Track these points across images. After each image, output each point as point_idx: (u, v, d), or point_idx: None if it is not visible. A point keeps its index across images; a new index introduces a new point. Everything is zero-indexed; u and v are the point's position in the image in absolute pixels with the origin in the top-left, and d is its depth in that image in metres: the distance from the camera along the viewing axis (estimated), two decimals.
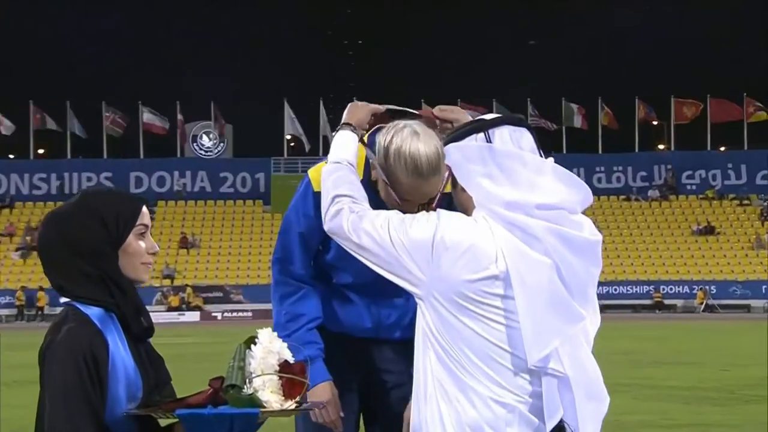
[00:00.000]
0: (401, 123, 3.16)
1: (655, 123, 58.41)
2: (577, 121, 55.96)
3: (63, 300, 2.64)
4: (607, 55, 69.29)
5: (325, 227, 3.01)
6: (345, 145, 3.17)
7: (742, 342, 24.36)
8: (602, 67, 66.55)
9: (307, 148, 55.23)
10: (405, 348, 3.43)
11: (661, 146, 61.81)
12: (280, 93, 55.53)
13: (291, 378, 2.54)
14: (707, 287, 48.50)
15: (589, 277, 2.71)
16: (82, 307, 2.62)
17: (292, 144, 57.87)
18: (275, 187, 53.47)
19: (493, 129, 2.80)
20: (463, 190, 2.82)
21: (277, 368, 2.56)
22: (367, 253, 2.82)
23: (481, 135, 2.80)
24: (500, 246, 2.68)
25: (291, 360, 2.59)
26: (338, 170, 3.09)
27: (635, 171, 56.93)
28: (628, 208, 56.33)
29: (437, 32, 68.43)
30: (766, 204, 55.97)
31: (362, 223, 2.86)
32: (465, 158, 2.78)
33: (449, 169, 2.84)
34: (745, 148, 56.87)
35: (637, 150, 57.03)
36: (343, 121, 3.26)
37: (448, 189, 3.23)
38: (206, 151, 58.02)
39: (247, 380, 2.54)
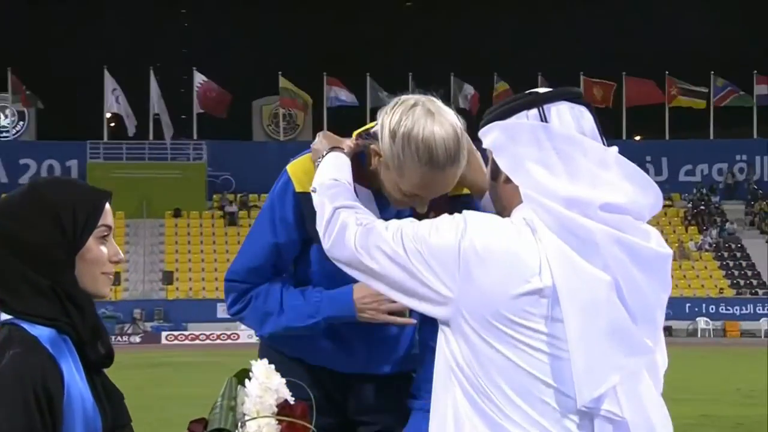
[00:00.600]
0: (411, 99, 3.16)
1: None
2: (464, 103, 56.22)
3: (3, 317, 2.61)
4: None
5: (327, 249, 2.96)
6: (338, 166, 3.21)
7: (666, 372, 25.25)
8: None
9: (131, 131, 55.74)
10: (396, 384, 3.50)
11: None
12: (100, 60, 55.60)
13: (292, 422, 2.54)
14: None
15: (657, 300, 2.67)
16: (28, 327, 2.59)
17: (113, 124, 58.31)
18: (93, 179, 51.82)
19: (549, 105, 2.74)
20: (507, 181, 2.75)
21: (276, 410, 2.58)
22: (380, 276, 2.77)
23: (534, 111, 2.73)
24: (546, 254, 2.62)
25: (291, 400, 2.60)
26: (336, 186, 3.11)
27: None
28: None
29: None
30: (690, 205, 57.22)
31: (371, 237, 2.81)
32: (512, 140, 2.71)
33: (490, 154, 2.78)
34: (667, 137, 58.21)
35: None
36: (325, 149, 3.30)
37: (459, 191, 3.32)
38: (1, 132, 56.90)
39: (239, 423, 2.55)
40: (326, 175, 3.17)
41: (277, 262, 3.53)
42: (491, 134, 2.74)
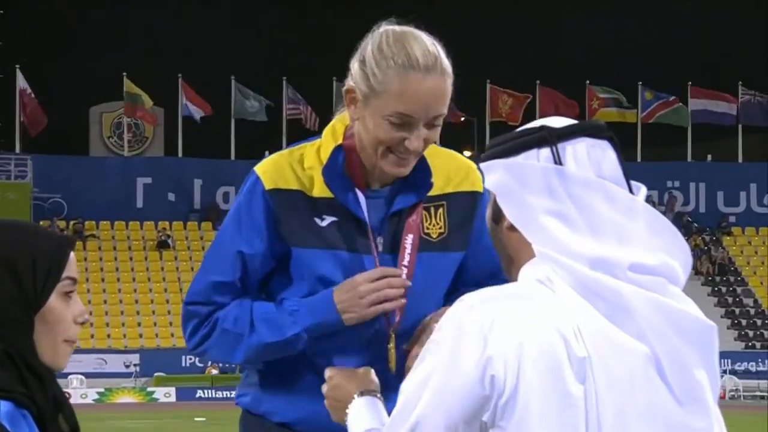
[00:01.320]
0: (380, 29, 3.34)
1: (461, 120, 56.59)
2: None
3: None
4: None
5: None
6: (374, 414, 3.02)
7: None
8: None
9: None
10: None
11: (467, 153, 59.61)
12: None
13: None
14: None
15: (704, 376, 2.55)
16: None
17: None
18: None
19: (565, 143, 2.59)
20: (512, 228, 2.64)
21: None
22: None
23: (547, 151, 2.59)
24: (578, 323, 2.51)
25: None
26: None
27: None
28: None
29: None
30: None
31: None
32: (521, 184, 2.60)
33: (492, 195, 2.72)
34: None
35: None
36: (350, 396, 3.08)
37: (465, 188, 3.41)
38: None
39: None
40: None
41: (245, 278, 3.43)
42: (495, 173, 2.64)
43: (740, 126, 54.75)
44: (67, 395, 2.79)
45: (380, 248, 3.33)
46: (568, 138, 2.57)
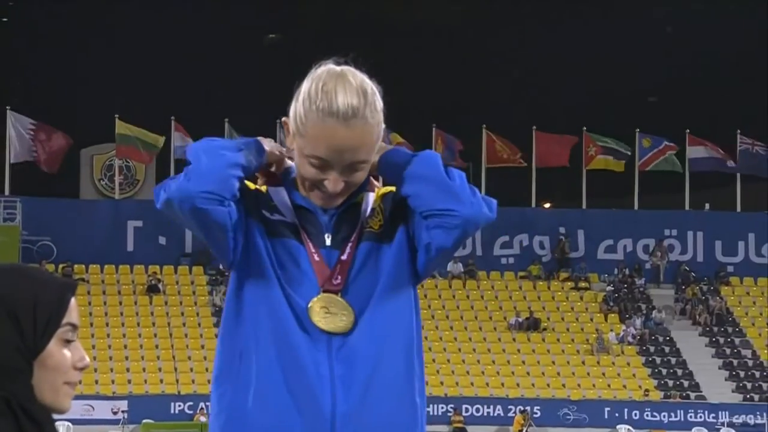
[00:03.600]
0: (323, 67, 3.58)
1: (453, 165, 54.88)
2: None
3: None
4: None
5: None
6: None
7: None
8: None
9: None
10: None
11: None
12: None
13: None
14: (528, 408, 48.14)
15: None
16: None
17: None
18: None
19: None
20: None
21: None
22: None
23: None
24: None
25: None
26: None
27: None
28: (417, 288, 53.57)
29: None
30: (611, 288, 55.86)
31: None
32: None
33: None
34: (584, 206, 56.76)
35: None
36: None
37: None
38: None
39: None
40: None
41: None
42: None
43: (738, 175, 55.18)
44: None
45: (329, 243, 3.58)
46: None
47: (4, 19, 61.17)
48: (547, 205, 59.16)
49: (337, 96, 3.41)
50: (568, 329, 53.25)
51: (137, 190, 55.14)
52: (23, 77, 59.51)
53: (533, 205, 56.03)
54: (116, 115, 52.97)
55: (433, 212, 3.50)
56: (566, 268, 55.84)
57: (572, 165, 55.38)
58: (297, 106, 3.48)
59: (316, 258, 3.55)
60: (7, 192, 53.33)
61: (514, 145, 55.14)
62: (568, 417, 47.99)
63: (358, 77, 3.48)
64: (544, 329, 52.95)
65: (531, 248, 56.02)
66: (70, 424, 42.14)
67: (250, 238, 3.58)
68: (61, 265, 51.64)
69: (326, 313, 3.59)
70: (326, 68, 3.49)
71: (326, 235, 3.58)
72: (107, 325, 50.18)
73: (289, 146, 3.59)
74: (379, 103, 3.50)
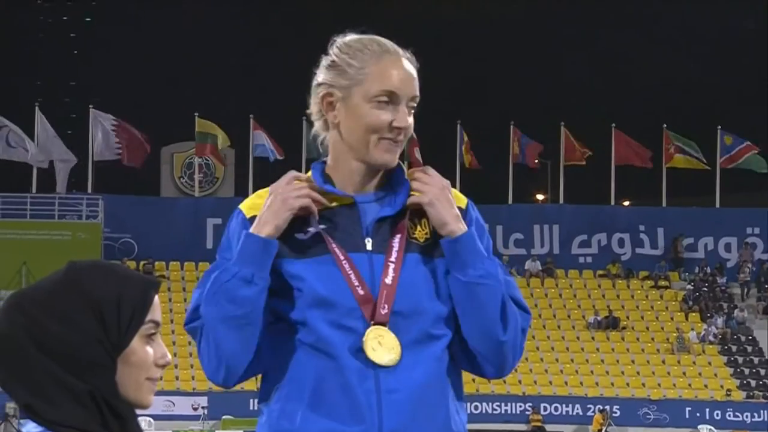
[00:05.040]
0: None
1: (536, 163, 57.57)
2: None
3: (32, 428, 2.60)
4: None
5: None
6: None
7: None
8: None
9: None
10: None
11: (540, 196, 62.26)
12: None
13: None
14: (607, 407, 47.99)
15: None
16: None
17: None
18: None
19: None
20: None
21: None
22: None
23: None
24: None
25: None
26: None
27: (506, 231, 55.88)
28: None
29: None
30: (691, 287, 55.37)
31: None
32: None
33: None
34: (663, 203, 56.37)
35: (510, 201, 55.91)
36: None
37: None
38: None
39: None
40: None
41: None
42: None
43: None
44: None
45: (369, 248, 3.53)
46: None
47: (87, 20, 62.31)
48: (626, 203, 58.70)
49: (381, 39, 3.54)
50: (647, 328, 52.96)
51: (216, 187, 55.51)
52: (105, 76, 60.52)
53: (612, 203, 55.81)
54: (196, 114, 53.39)
55: (472, 349, 3.51)
56: (646, 267, 55.45)
57: (652, 162, 55.21)
58: (342, 64, 3.50)
59: (357, 284, 3.48)
60: (89, 190, 53.79)
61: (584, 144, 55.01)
62: (648, 416, 47.94)
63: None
64: (624, 328, 52.79)
65: (609, 247, 55.81)
66: (151, 419, 42.87)
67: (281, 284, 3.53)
68: (141, 263, 52.17)
69: (378, 344, 3.55)
70: (344, 37, 3.58)
71: (366, 240, 3.55)
72: None
73: (335, 120, 3.56)
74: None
